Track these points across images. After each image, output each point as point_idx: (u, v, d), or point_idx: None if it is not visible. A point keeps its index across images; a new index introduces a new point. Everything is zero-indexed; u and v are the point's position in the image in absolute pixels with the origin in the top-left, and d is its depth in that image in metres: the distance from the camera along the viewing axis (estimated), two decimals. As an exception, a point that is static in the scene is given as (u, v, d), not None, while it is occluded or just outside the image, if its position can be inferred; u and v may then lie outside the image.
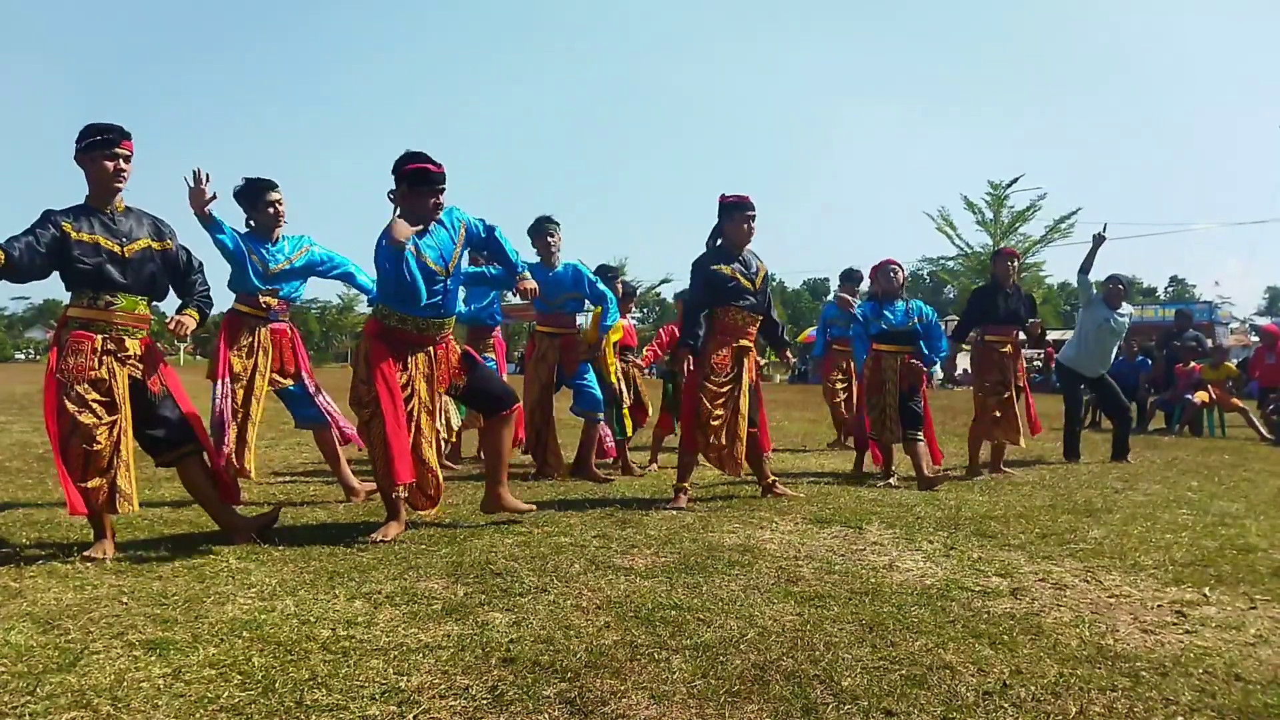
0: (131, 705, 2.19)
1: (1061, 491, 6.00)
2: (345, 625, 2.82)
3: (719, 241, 5.40)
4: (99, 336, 3.78)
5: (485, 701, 2.26)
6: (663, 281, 52.35)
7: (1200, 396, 11.35)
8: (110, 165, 3.78)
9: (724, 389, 5.29)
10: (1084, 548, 4.14)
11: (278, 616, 2.90)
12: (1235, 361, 14.06)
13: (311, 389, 5.36)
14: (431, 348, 4.37)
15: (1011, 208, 35.83)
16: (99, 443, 3.70)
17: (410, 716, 2.17)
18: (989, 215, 36.02)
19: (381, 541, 4.05)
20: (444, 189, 4.23)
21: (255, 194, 5.08)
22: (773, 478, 5.62)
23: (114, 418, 3.77)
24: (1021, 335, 7.10)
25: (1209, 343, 12.49)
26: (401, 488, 4.21)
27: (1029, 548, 4.14)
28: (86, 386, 3.72)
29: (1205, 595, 3.37)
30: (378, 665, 2.48)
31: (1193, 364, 11.87)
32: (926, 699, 2.31)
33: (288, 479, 6.34)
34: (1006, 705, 2.28)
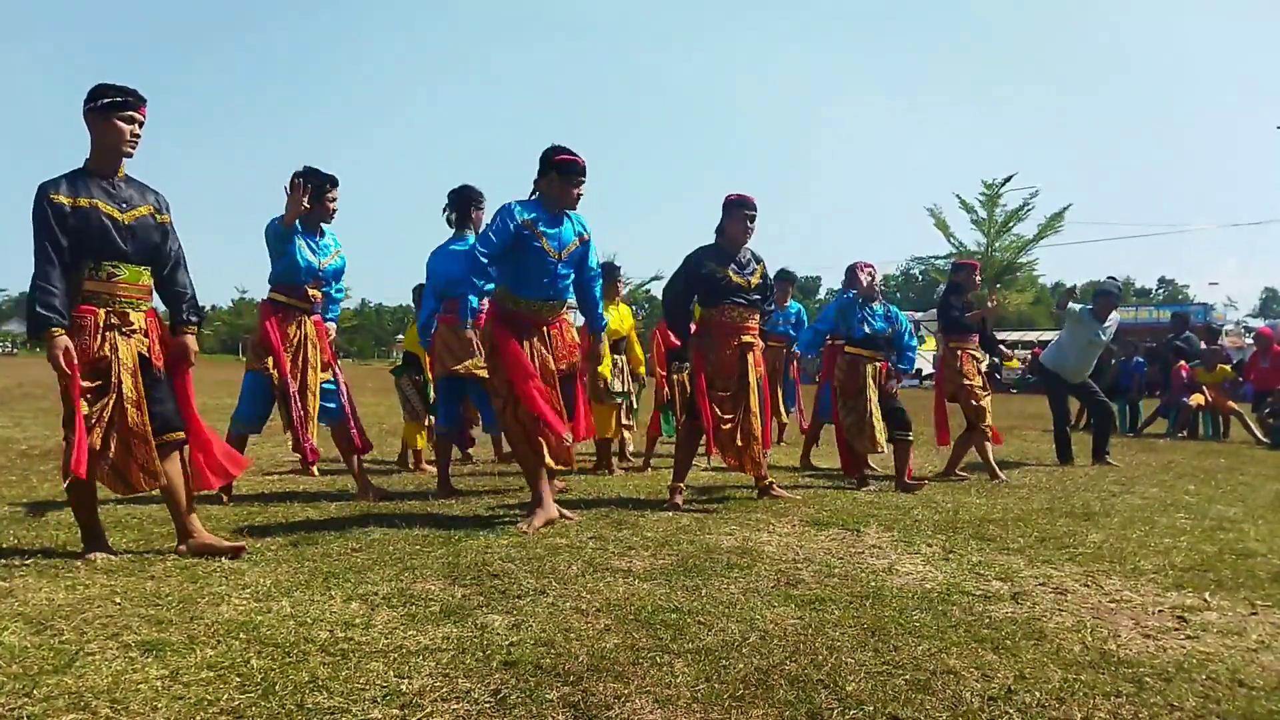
0: (130, 707, 2.16)
1: (1059, 494, 6.00)
2: (343, 627, 2.79)
3: (718, 239, 5.42)
4: (102, 310, 3.60)
5: (488, 705, 2.23)
6: (653, 279, 52.41)
7: (1196, 399, 11.37)
8: (126, 129, 3.60)
9: (729, 392, 5.29)
10: (1083, 551, 4.14)
11: (274, 618, 2.86)
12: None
13: (342, 384, 5.35)
14: (545, 328, 4.64)
15: (1004, 206, 35.99)
16: (92, 437, 3.54)
17: (412, 720, 2.15)
18: (983, 214, 36.18)
19: (527, 531, 4.28)
20: (584, 181, 4.63)
21: (321, 189, 5.12)
22: (770, 479, 5.61)
23: (103, 401, 3.58)
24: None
25: (1201, 344, 12.50)
26: (555, 441, 4.52)
27: (1028, 551, 4.14)
28: (84, 372, 3.54)
29: (1206, 600, 3.37)
30: (378, 668, 2.45)
31: (1182, 365, 11.90)
32: (932, 705, 2.29)
33: (278, 476, 6.31)
34: (1012, 711, 2.27)
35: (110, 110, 3.58)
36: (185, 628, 2.75)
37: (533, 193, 4.64)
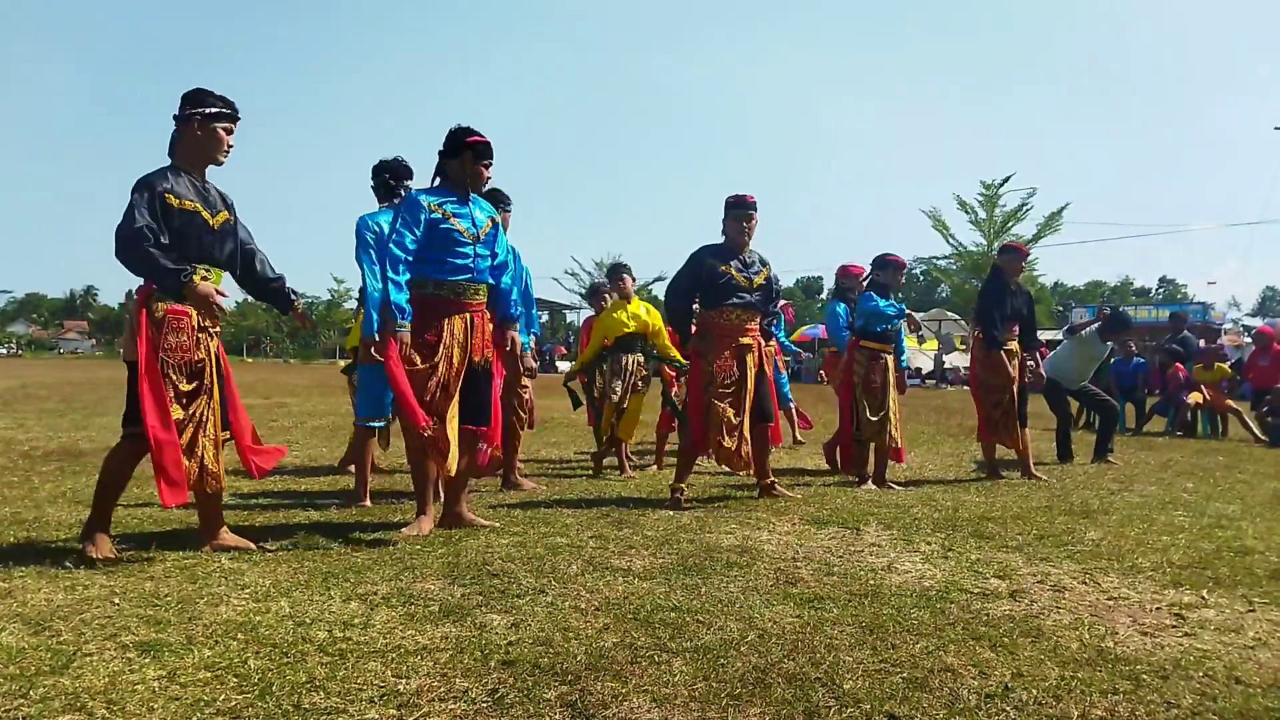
0: (126, 708, 2.16)
1: (1058, 492, 6.00)
2: (341, 627, 2.79)
3: (724, 239, 5.45)
4: (194, 312, 3.64)
5: (485, 705, 2.23)
6: (656, 279, 52.43)
7: (1194, 398, 11.37)
8: (226, 139, 3.71)
9: (729, 391, 5.29)
10: (1081, 549, 4.14)
11: (273, 618, 2.87)
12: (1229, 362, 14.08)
13: None
14: (469, 315, 4.36)
15: (1004, 206, 35.94)
16: (183, 438, 3.58)
17: (409, 720, 2.15)
18: (982, 214, 36.13)
19: (415, 535, 4.17)
20: (491, 163, 4.50)
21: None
22: (771, 478, 5.62)
23: (197, 403, 3.63)
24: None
25: (1200, 343, 12.49)
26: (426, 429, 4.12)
27: (1027, 549, 4.14)
28: (180, 375, 3.58)
29: (1203, 598, 3.37)
30: (376, 668, 2.45)
31: (1177, 367, 11.89)
32: (929, 702, 2.29)
33: (278, 476, 6.31)
34: (1009, 709, 2.27)
35: (217, 119, 3.67)
36: (183, 628, 2.75)
37: (434, 179, 4.48)
